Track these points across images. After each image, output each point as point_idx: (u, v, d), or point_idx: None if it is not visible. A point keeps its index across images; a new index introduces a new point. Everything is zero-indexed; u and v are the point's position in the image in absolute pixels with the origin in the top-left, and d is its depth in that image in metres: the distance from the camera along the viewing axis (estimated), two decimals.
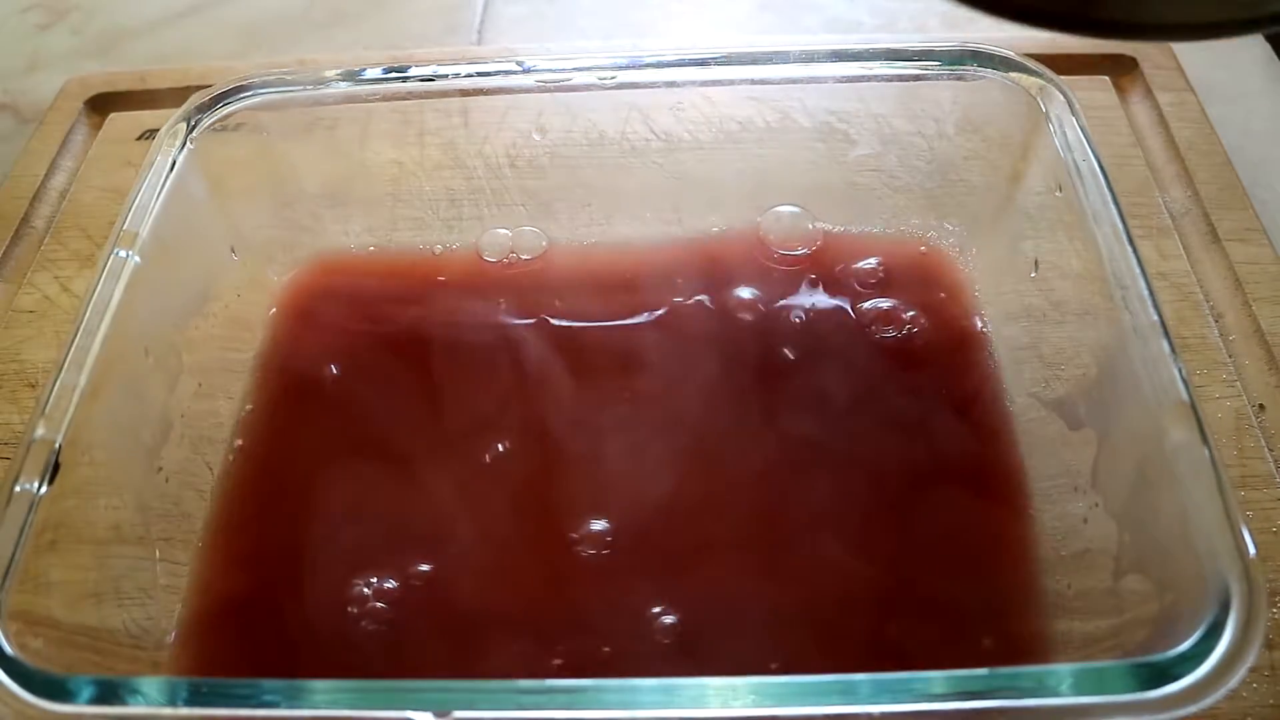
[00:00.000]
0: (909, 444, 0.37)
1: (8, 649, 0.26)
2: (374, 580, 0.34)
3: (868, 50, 0.38)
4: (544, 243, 0.43)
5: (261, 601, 0.35)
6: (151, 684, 0.26)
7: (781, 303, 0.42)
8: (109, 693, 0.25)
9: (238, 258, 0.41)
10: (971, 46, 0.38)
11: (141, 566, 0.34)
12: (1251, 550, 0.25)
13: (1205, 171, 0.44)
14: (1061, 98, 0.36)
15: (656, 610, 0.33)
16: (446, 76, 0.39)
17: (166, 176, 0.36)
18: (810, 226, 0.43)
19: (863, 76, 0.39)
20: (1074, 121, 0.35)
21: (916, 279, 0.42)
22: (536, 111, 0.41)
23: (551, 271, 0.43)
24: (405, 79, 0.39)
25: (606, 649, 0.32)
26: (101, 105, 0.51)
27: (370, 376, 0.41)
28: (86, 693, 0.25)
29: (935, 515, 0.35)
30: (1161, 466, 0.28)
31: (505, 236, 0.44)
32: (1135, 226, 0.32)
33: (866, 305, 0.41)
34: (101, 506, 0.32)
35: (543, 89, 0.39)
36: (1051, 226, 0.36)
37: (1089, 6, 0.21)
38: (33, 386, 0.40)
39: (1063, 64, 0.44)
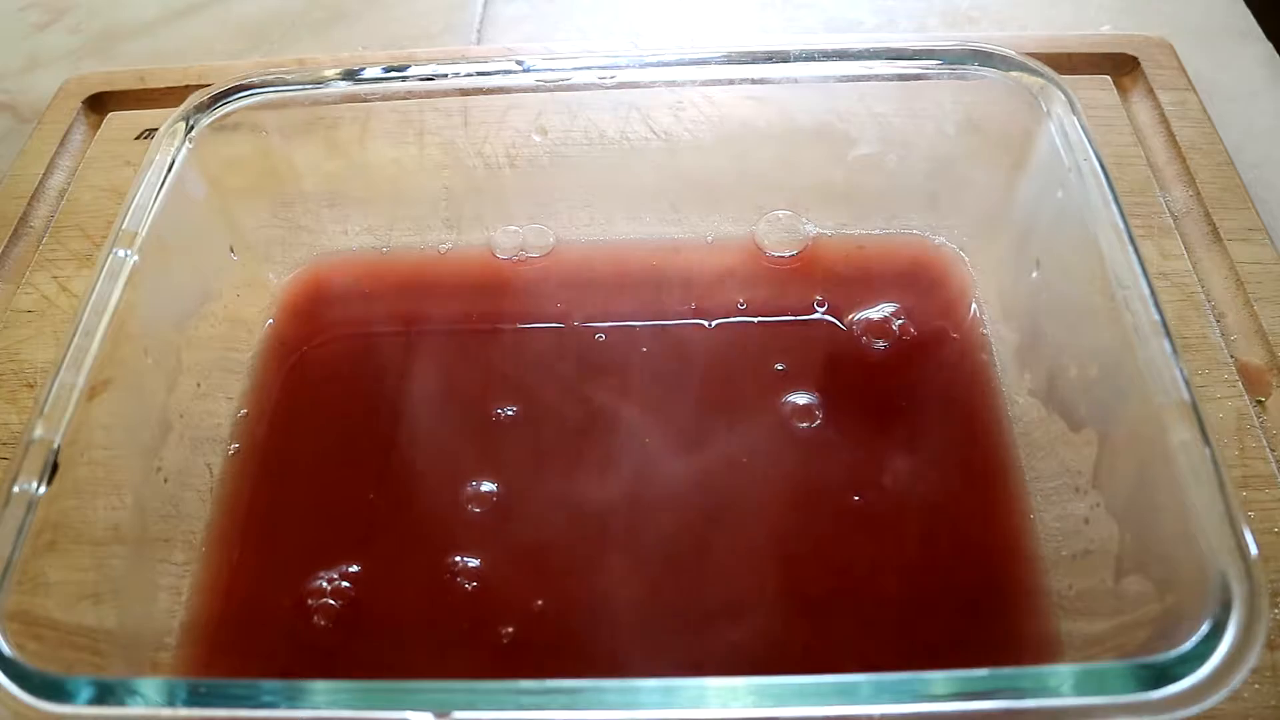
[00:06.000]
0: (909, 445, 0.37)
1: (6, 650, 0.26)
2: (374, 580, 0.34)
3: (868, 49, 0.38)
4: (551, 239, 0.43)
5: (261, 602, 0.35)
6: (150, 685, 0.26)
7: (781, 304, 0.42)
8: (107, 693, 0.25)
9: (237, 257, 0.41)
10: (972, 46, 0.38)
11: (140, 567, 0.34)
12: (1253, 550, 0.25)
13: (1207, 171, 0.44)
14: (1062, 97, 0.36)
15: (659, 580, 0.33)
16: (446, 76, 0.39)
17: (165, 176, 0.36)
18: (803, 229, 0.43)
19: (863, 76, 0.38)
20: (1075, 121, 0.35)
21: (917, 278, 0.42)
22: (536, 111, 0.41)
23: (559, 269, 0.43)
24: (405, 79, 0.39)
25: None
26: (100, 104, 0.51)
27: (373, 376, 0.41)
28: (85, 693, 0.25)
29: (936, 515, 0.35)
30: (1163, 467, 0.28)
31: (515, 234, 0.43)
32: (1136, 226, 0.32)
33: (866, 307, 0.41)
34: (100, 507, 0.32)
35: (543, 89, 0.39)
36: (1052, 226, 0.36)
37: None
38: (31, 386, 0.40)
39: (1064, 63, 0.45)
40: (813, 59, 0.38)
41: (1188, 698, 0.24)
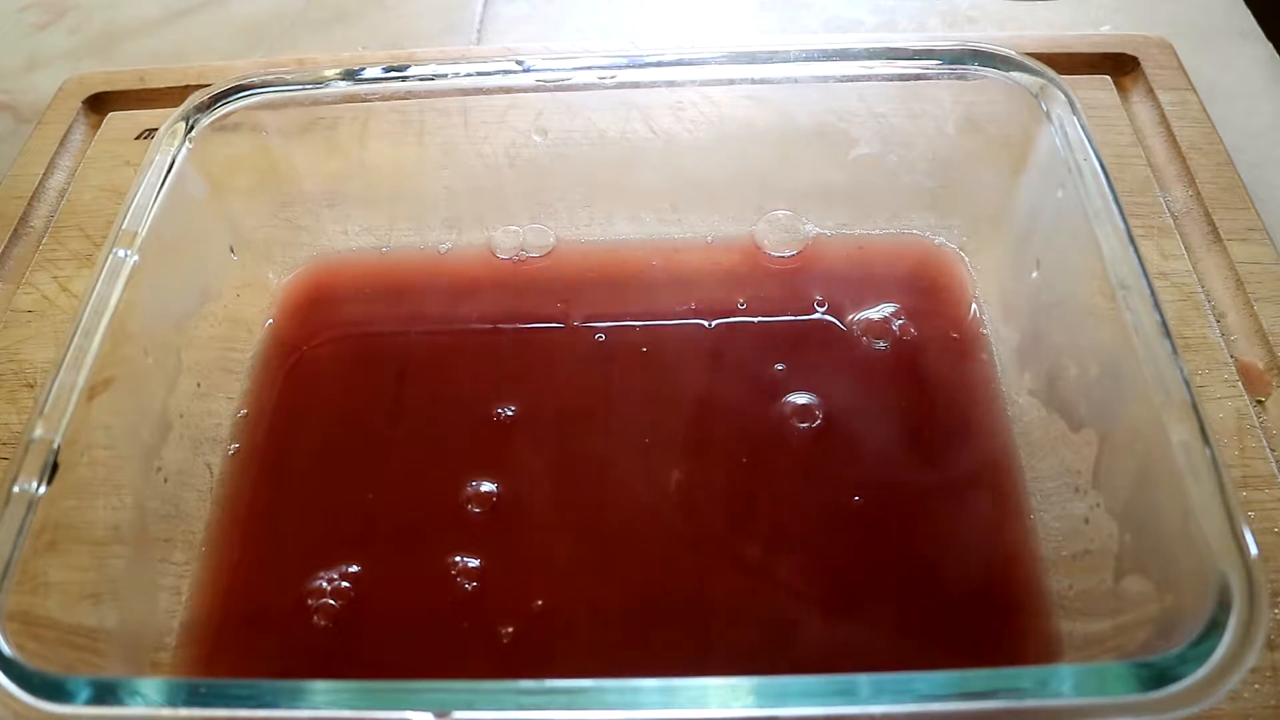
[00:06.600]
0: (909, 445, 0.37)
1: (6, 650, 0.26)
2: (374, 581, 0.34)
3: (868, 49, 0.38)
4: (551, 239, 0.43)
5: (260, 602, 0.35)
6: (150, 685, 0.26)
7: (781, 304, 0.41)
8: (107, 693, 0.25)
9: (237, 257, 0.41)
10: (972, 46, 0.38)
11: (140, 567, 0.34)
12: (1253, 550, 0.25)
13: (1206, 171, 0.44)
14: (1062, 97, 0.36)
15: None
16: (446, 76, 0.39)
17: (165, 176, 0.36)
18: (803, 229, 0.43)
19: (863, 76, 0.38)
20: (1075, 121, 0.35)
21: (917, 279, 0.42)
22: (536, 111, 0.41)
23: (559, 269, 0.43)
24: (405, 79, 0.39)
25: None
26: (100, 104, 0.51)
27: (373, 376, 0.41)
28: (85, 693, 0.25)
29: (936, 515, 0.35)
30: (1163, 467, 0.28)
31: (515, 234, 0.43)
32: (1136, 226, 0.32)
33: (866, 307, 0.41)
34: (100, 507, 0.32)
35: (543, 89, 0.39)
36: (1052, 226, 0.36)
37: None
38: (31, 386, 0.40)
39: (1064, 63, 0.45)
40: (813, 59, 0.38)
41: (1188, 697, 0.24)
